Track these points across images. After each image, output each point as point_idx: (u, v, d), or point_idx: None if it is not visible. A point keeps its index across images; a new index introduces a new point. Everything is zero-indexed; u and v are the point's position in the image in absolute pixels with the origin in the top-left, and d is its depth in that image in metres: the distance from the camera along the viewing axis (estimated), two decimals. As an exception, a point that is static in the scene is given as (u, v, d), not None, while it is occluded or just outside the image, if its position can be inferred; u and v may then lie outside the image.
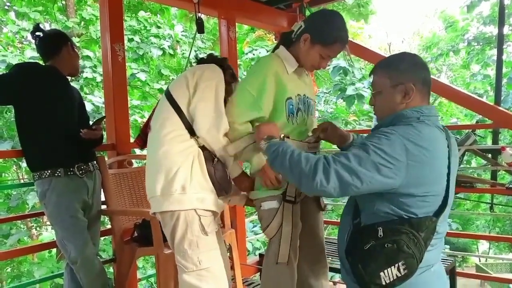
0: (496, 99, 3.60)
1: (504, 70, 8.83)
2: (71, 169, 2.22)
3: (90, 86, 7.71)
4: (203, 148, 1.72)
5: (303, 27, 1.77)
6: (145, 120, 2.47)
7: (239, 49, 8.73)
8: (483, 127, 4.18)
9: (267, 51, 8.35)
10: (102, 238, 3.02)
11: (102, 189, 2.49)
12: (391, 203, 1.30)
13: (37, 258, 7.73)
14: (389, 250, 1.25)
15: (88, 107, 6.24)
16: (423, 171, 1.27)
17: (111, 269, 3.23)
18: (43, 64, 2.35)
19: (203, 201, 1.68)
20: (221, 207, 1.82)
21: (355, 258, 1.35)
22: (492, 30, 11.35)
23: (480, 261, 15.35)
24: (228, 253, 2.70)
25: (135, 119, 7.25)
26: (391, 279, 1.25)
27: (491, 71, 11.12)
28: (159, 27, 8.54)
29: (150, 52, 8.19)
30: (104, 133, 2.59)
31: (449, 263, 2.73)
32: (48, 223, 7.29)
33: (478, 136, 3.62)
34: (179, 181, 1.65)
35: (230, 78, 1.90)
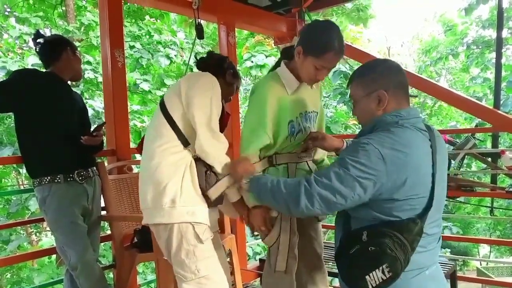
0: (496, 102, 3.61)
1: (504, 73, 8.85)
2: (71, 175, 2.22)
3: (90, 91, 7.72)
4: (196, 159, 1.70)
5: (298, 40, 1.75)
6: (145, 125, 2.48)
7: (239, 54, 8.75)
8: (482, 130, 4.18)
9: (266, 56, 8.36)
10: (102, 244, 3.02)
11: (102, 195, 2.49)
12: (375, 209, 1.32)
13: (37, 264, 7.72)
14: (372, 253, 1.26)
15: (89, 112, 6.25)
16: (403, 174, 1.28)
17: (111, 275, 3.22)
18: (42, 71, 2.35)
19: (193, 215, 1.66)
20: (213, 220, 1.82)
21: (342, 262, 1.38)
22: (491, 33, 11.40)
23: (481, 264, 15.31)
24: (228, 258, 2.70)
25: (135, 124, 7.26)
26: (377, 282, 1.25)
27: (491, 75, 11.16)
28: (161, 33, 8.57)
29: (152, 59, 8.21)
30: (104, 139, 2.59)
31: (449, 267, 2.72)
32: (48, 228, 7.27)
33: (478, 139, 3.63)
34: (169, 194, 1.64)
35: (232, 79, 1.89)
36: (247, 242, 4.09)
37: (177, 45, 8.64)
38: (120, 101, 2.75)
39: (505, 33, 10.54)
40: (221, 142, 1.69)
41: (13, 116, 2.28)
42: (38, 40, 2.30)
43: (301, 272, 1.95)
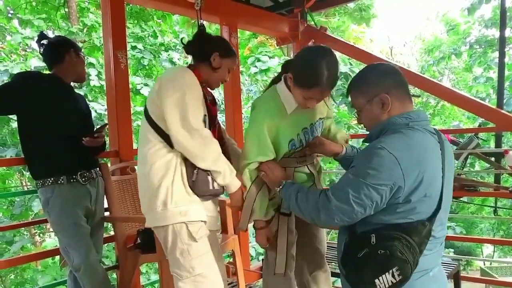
0: (499, 102, 3.59)
1: (507, 72, 8.83)
2: (74, 176, 2.23)
3: (93, 92, 7.74)
4: (185, 159, 1.70)
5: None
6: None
7: (241, 55, 8.75)
8: (485, 130, 4.17)
9: (270, 58, 8.35)
10: (105, 245, 3.02)
11: (105, 196, 2.49)
12: (386, 212, 1.31)
13: (40, 265, 7.74)
14: (382, 256, 1.25)
15: (92, 114, 6.27)
16: (419, 175, 1.27)
17: (114, 276, 3.23)
18: (45, 73, 2.36)
19: (186, 214, 1.68)
20: (211, 214, 1.85)
21: (350, 266, 1.36)
22: (494, 32, 11.36)
23: (484, 264, 15.26)
24: (232, 259, 2.70)
25: (138, 125, 7.26)
26: (387, 286, 1.25)
27: (494, 74, 11.11)
28: (163, 34, 8.58)
29: (154, 60, 8.21)
30: (107, 140, 2.59)
31: (453, 267, 2.71)
32: (51, 230, 7.30)
33: (481, 139, 3.62)
34: (161, 197, 1.66)
35: (219, 63, 1.80)
36: (250, 242, 4.09)
37: (180, 47, 8.64)
38: (123, 102, 2.76)
39: (508, 32, 10.48)
40: (202, 137, 1.66)
41: (16, 118, 2.29)
42: (42, 42, 2.31)
43: (304, 271, 1.96)
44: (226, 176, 1.72)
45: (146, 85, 8.07)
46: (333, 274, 2.31)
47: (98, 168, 2.42)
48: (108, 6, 2.69)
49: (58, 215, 2.19)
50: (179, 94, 1.64)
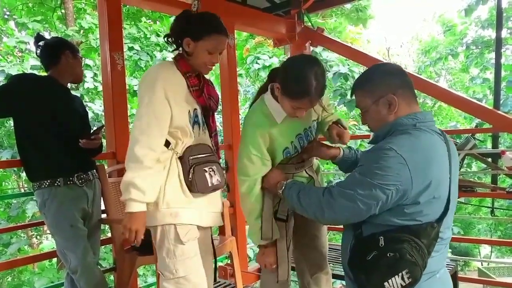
0: (495, 102, 3.61)
1: (503, 73, 8.84)
2: (71, 178, 2.21)
3: (91, 94, 7.73)
4: (180, 157, 1.68)
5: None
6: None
7: (239, 56, 8.75)
8: (482, 131, 4.19)
9: (269, 57, 8.36)
10: (102, 247, 3.01)
11: (102, 198, 2.48)
12: (394, 213, 1.29)
13: (37, 267, 7.71)
14: (391, 259, 1.23)
15: (88, 115, 6.26)
16: (428, 177, 1.26)
17: (111, 278, 3.22)
18: (41, 75, 2.34)
19: (176, 216, 1.65)
20: (217, 210, 1.81)
21: (358, 269, 1.34)
22: (491, 33, 11.38)
23: (482, 265, 15.29)
24: (229, 261, 2.69)
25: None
26: None
27: (490, 75, 11.15)
28: (158, 35, 8.56)
29: (151, 61, 8.20)
30: (104, 142, 2.58)
31: (451, 268, 2.72)
32: (48, 232, 7.28)
33: (478, 140, 3.63)
34: None
35: (197, 36, 1.66)
36: (248, 244, 4.08)
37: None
38: (120, 104, 2.75)
39: (504, 33, 10.55)
40: (149, 149, 1.55)
41: (12, 120, 2.28)
42: (39, 44, 2.30)
43: (304, 273, 1.95)
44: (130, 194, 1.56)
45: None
46: (334, 276, 2.30)
47: (95, 170, 2.41)
48: (104, 7, 2.68)
49: (54, 217, 2.18)
50: (145, 100, 1.58)
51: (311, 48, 4.19)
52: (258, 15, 3.77)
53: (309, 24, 4.02)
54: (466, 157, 3.51)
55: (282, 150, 1.72)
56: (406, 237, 1.25)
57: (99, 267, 2.38)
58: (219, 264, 3.41)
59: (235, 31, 3.64)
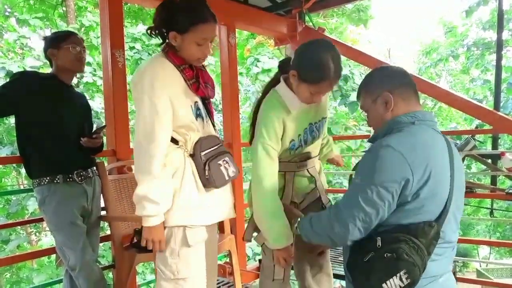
0: (496, 104, 3.61)
1: (504, 75, 8.86)
2: (70, 175, 2.22)
3: (91, 91, 7.73)
4: (192, 155, 1.63)
5: (292, 59, 1.69)
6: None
7: (240, 55, 8.75)
8: (482, 132, 4.19)
9: (269, 58, 8.35)
10: (101, 244, 3.01)
11: (101, 195, 2.48)
12: (394, 213, 1.28)
13: (36, 264, 7.72)
14: (388, 260, 1.22)
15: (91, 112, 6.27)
16: (426, 170, 1.25)
17: (110, 275, 3.22)
18: (43, 72, 2.34)
19: (188, 218, 1.61)
20: (229, 203, 1.78)
21: (356, 271, 1.33)
22: (492, 35, 11.40)
23: (480, 266, 15.31)
24: (228, 259, 2.70)
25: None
26: None
27: (491, 76, 11.16)
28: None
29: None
30: (104, 139, 2.58)
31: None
32: (47, 228, 7.28)
33: (478, 141, 3.63)
34: None
35: (182, 29, 1.56)
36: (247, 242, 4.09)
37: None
38: (120, 101, 2.75)
39: (505, 34, 10.54)
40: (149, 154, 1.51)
41: (12, 117, 2.27)
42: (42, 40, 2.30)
43: (306, 274, 1.95)
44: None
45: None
46: (335, 276, 2.29)
47: (94, 167, 2.41)
48: (106, 4, 2.68)
49: (54, 214, 2.18)
50: (141, 100, 1.52)
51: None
52: (259, 14, 3.77)
53: (310, 23, 4.03)
54: (466, 158, 3.50)
55: (289, 141, 1.74)
56: (404, 237, 1.23)
57: (98, 264, 2.38)
58: (218, 262, 3.42)
59: (236, 30, 3.63)
